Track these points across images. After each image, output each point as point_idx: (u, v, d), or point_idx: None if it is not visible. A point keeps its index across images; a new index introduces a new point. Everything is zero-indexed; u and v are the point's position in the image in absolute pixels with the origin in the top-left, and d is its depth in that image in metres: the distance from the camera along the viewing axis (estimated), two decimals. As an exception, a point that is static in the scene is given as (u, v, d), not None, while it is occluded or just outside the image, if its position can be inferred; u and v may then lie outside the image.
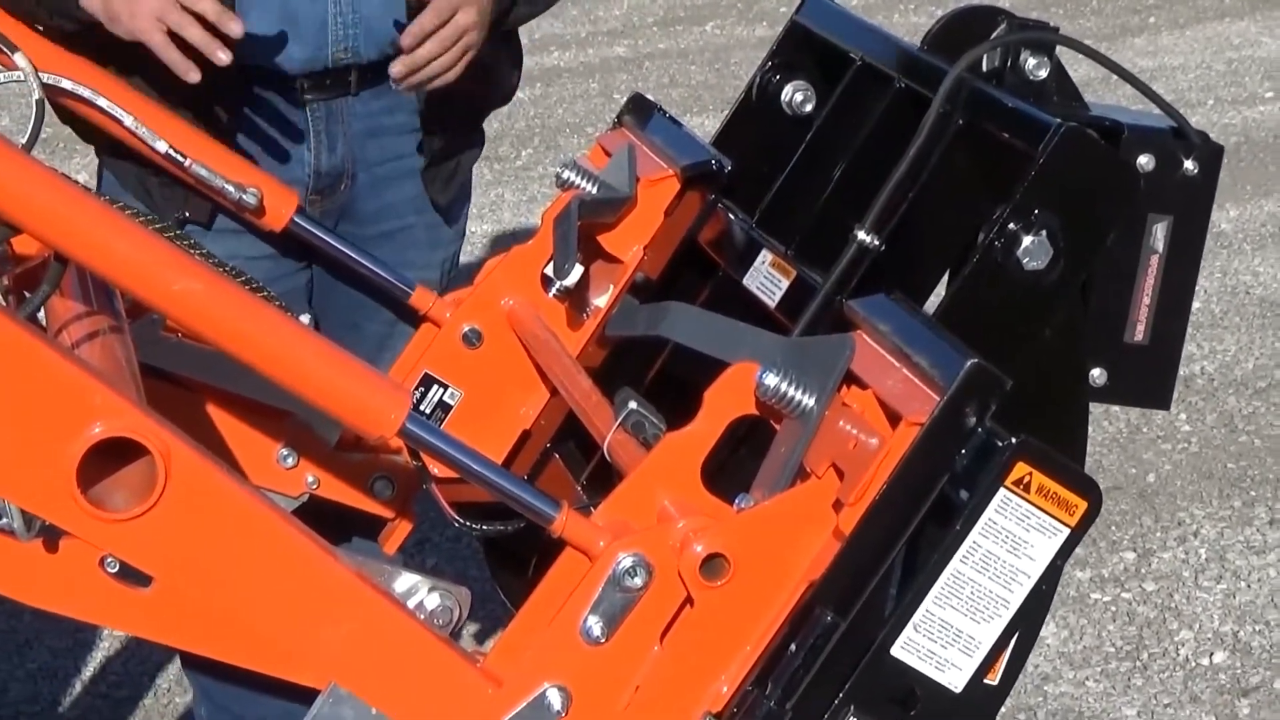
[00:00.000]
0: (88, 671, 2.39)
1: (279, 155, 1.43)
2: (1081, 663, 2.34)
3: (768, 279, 1.03)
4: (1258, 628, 2.40)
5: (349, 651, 0.79)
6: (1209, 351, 3.40)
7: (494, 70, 1.51)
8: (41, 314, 0.83)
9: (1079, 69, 1.15)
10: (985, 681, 0.81)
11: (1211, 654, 2.34)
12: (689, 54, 5.03)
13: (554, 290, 1.17)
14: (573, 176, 1.17)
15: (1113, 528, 2.69)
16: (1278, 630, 2.40)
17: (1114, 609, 2.50)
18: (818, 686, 0.80)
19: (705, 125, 2.56)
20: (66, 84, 1.15)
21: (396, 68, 1.31)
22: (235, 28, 1.21)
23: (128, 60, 1.29)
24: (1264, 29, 5.65)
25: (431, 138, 1.49)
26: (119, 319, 0.92)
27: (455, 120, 1.51)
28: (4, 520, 0.74)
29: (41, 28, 1.28)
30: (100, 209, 0.78)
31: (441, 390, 1.22)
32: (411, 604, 0.85)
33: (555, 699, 0.81)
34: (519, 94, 1.76)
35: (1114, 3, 6.18)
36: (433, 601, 0.86)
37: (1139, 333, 0.93)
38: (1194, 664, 2.33)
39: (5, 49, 1.01)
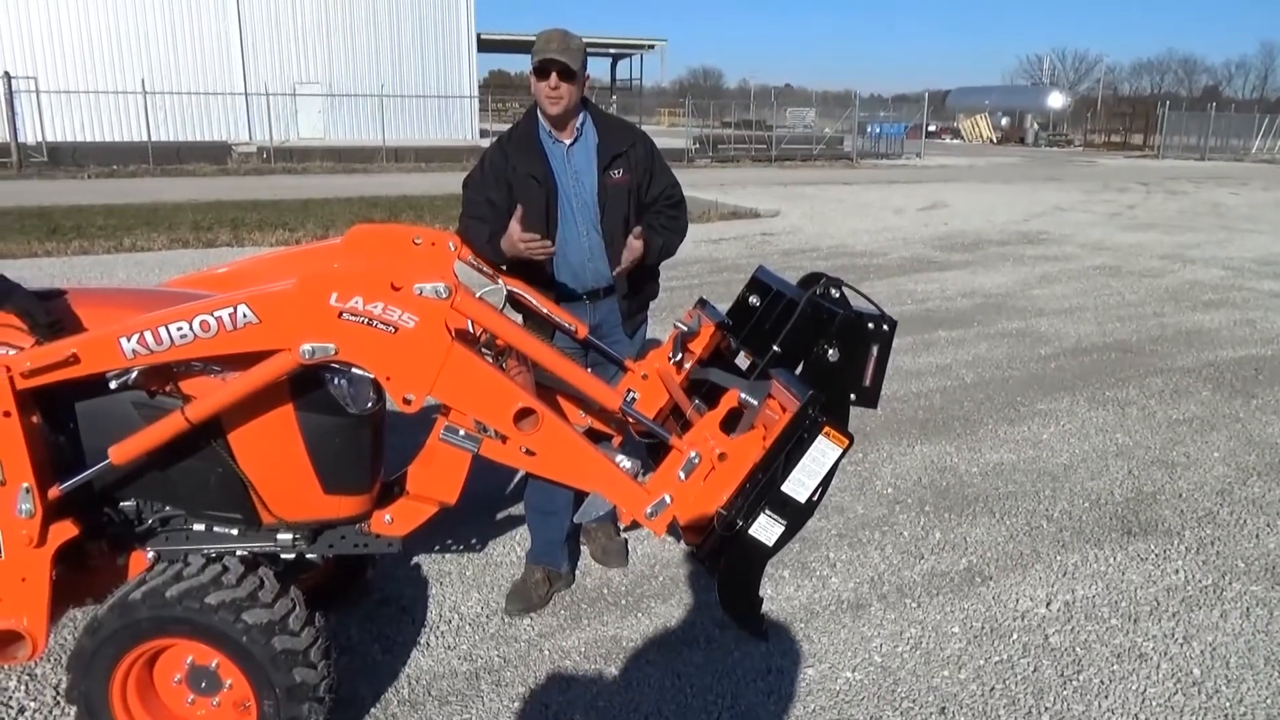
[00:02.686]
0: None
1: (580, 316, 3.23)
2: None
3: (743, 360, 2.70)
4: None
5: (596, 476, 2.44)
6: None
7: (649, 284, 3.39)
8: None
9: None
10: (811, 500, 2.42)
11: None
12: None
13: (673, 360, 2.86)
14: (680, 324, 2.87)
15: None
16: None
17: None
18: (755, 500, 2.42)
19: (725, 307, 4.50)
20: (514, 291, 2.91)
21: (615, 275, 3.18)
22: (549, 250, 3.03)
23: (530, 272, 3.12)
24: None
25: (626, 310, 3.35)
26: (528, 365, 2.62)
27: (635, 306, 3.40)
28: (490, 431, 2.41)
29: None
30: (528, 337, 2.48)
31: (633, 394, 2.91)
32: (619, 461, 2.50)
33: (667, 499, 2.45)
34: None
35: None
36: (624, 463, 2.49)
37: (867, 379, 2.53)
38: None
39: (490, 274, 2.76)
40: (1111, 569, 3.79)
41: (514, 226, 2.98)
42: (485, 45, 37.15)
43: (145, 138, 26.11)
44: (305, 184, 20.66)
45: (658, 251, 3.26)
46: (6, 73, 25.06)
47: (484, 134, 32.08)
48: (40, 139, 25.28)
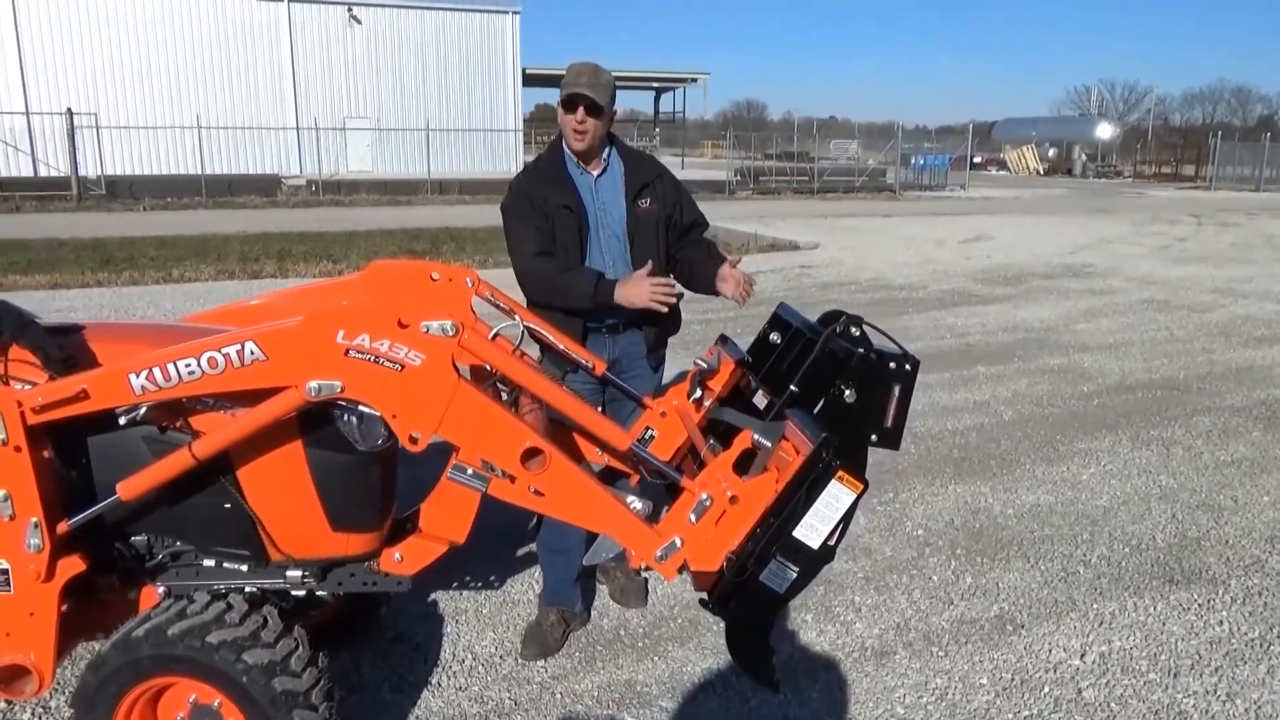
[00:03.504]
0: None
1: (602, 348, 3.20)
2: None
3: (761, 399, 2.63)
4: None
5: (605, 517, 2.39)
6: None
7: (675, 321, 3.34)
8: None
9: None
10: (826, 545, 2.34)
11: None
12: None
13: (692, 398, 2.80)
14: (700, 361, 2.81)
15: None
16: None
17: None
18: (766, 545, 2.34)
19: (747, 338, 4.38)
20: (531, 327, 2.88)
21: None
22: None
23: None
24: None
25: (651, 343, 3.30)
26: (541, 404, 2.59)
27: (660, 338, 3.35)
28: (497, 470, 2.38)
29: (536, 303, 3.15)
30: (537, 377, 2.44)
31: (651, 431, 2.85)
32: (629, 502, 2.44)
33: (677, 542, 2.39)
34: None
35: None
36: (635, 504, 2.44)
37: (888, 420, 2.45)
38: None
39: (506, 309, 2.74)
40: (1151, 619, 3.63)
41: (642, 278, 3.02)
42: (530, 80, 37.76)
43: (199, 171, 26.86)
44: (351, 216, 21.04)
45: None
46: (69, 109, 25.95)
47: (527, 166, 32.55)
48: (99, 172, 26.10)
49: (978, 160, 53.41)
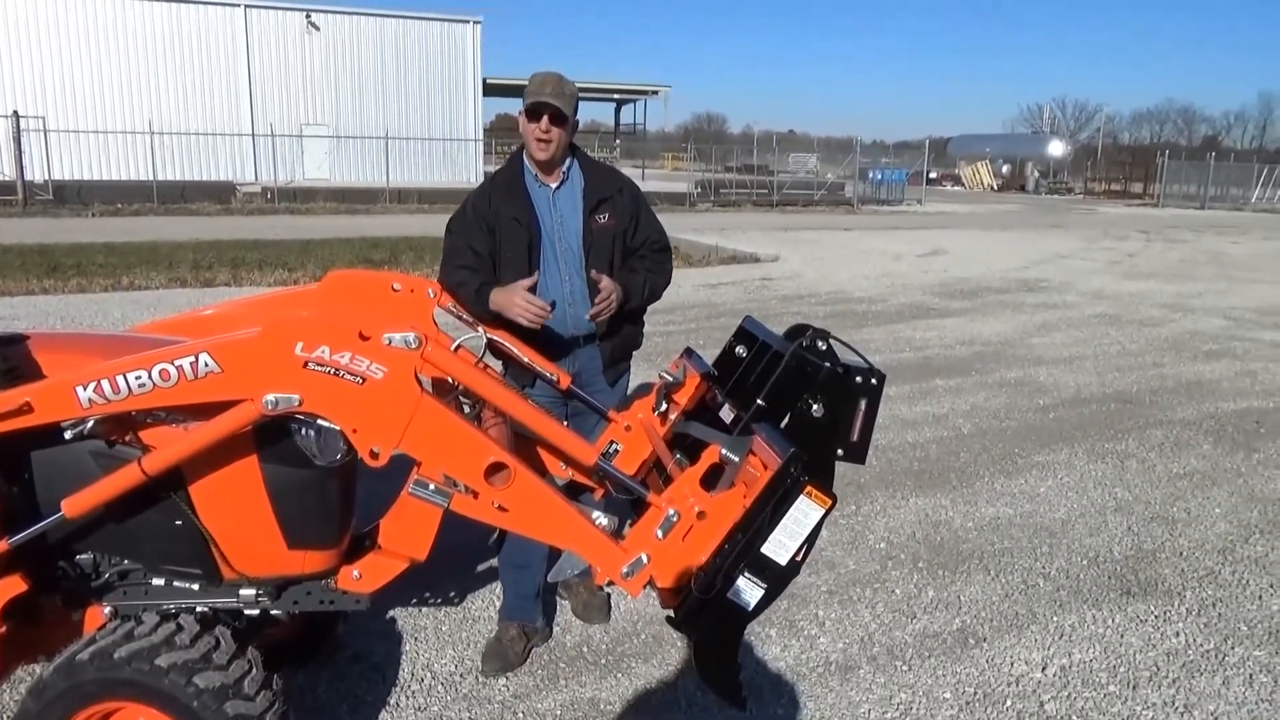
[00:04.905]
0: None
1: (560, 363, 3.12)
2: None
3: (728, 412, 2.61)
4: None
5: (570, 533, 2.35)
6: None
7: (634, 335, 3.32)
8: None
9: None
10: (793, 561, 2.32)
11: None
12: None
13: (657, 411, 2.77)
14: (665, 374, 2.78)
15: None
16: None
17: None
18: (734, 561, 2.32)
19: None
20: (494, 338, 2.82)
21: (589, 317, 3.02)
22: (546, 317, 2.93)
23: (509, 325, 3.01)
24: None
25: (610, 357, 3.25)
26: (505, 417, 2.54)
27: (617, 353, 3.30)
28: (459, 487, 2.32)
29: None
30: (501, 390, 2.39)
31: (615, 445, 2.81)
32: (594, 517, 2.40)
33: (643, 558, 2.36)
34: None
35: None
36: (601, 520, 2.40)
37: (854, 435, 2.45)
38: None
39: (470, 321, 2.69)
40: (1110, 631, 3.67)
41: (518, 289, 2.94)
42: (491, 90, 37.65)
43: (151, 176, 26.33)
44: (308, 224, 20.75)
45: (640, 292, 3.20)
46: (15, 112, 25.31)
47: (488, 176, 32.44)
48: (47, 177, 25.48)
49: (934, 176, 54.32)
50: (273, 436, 2.31)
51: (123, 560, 2.43)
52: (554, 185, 3.19)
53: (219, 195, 26.47)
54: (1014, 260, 17.24)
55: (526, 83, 3.10)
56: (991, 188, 57.84)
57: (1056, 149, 61.20)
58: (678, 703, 3.11)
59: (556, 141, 3.08)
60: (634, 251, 3.27)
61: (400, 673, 3.22)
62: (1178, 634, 3.66)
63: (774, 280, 13.66)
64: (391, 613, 3.59)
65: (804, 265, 15.54)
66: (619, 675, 3.26)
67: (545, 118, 3.04)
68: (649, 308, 3.39)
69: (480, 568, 3.98)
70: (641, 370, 3.76)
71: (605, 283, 3.04)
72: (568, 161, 3.22)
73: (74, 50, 29.36)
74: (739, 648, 2.51)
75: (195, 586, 2.45)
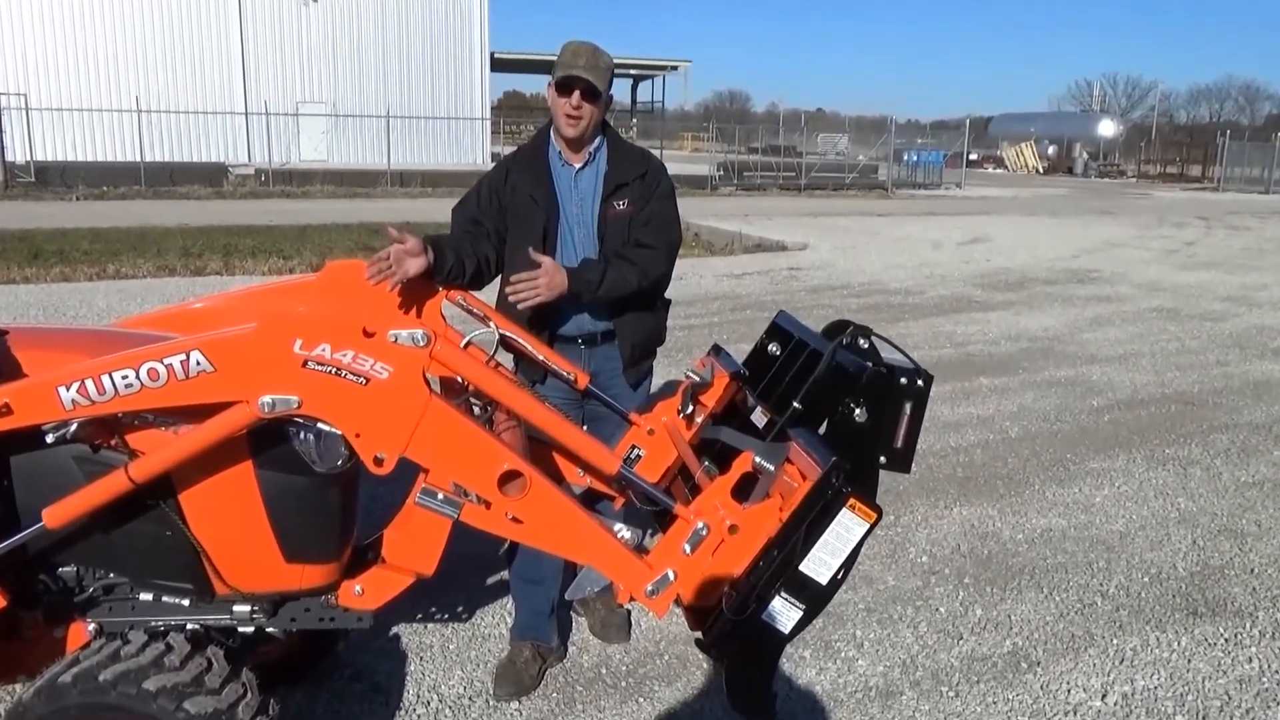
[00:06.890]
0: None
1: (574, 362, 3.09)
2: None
3: (760, 416, 2.56)
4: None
5: (591, 548, 2.31)
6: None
7: (657, 331, 3.29)
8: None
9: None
10: (834, 579, 2.28)
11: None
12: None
13: (682, 414, 2.72)
14: (692, 373, 2.73)
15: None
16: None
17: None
18: (769, 580, 2.27)
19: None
20: (507, 335, 2.78)
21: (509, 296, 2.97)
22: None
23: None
24: None
25: (630, 355, 3.21)
26: (520, 421, 2.50)
27: (639, 352, 3.26)
28: (471, 496, 2.29)
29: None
30: (517, 392, 2.36)
31: (637, 451, 2.77)
32: (616, 530, 2.36)
33: (670, 575, 2.31)
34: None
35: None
36: (624, 533, 2.36)
37: (899, 441, 2.40)
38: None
39: (481, 315, 2.65)
40: (1176, 655, 3.60)
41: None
42: (499, 65, 37.66)
43: (138, 158, 26.49)
44: (304, 208, 20.82)
45: (594, 284, 2.99)
46: (-4, 89, 25.55)
47: (495, 158, 32.44)
48: (29, 158, 25.68)
49: (974, 157, 53.90)
50: (269, 441, 2.28)
51: (108, 574, 2.41)
52: (578, 165, 3.15)
53: (210, 177, 26.60)
54: (1062, 249, 17.08)
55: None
56: (1036, 170, 57.41)
57: (1107, 129, 60.65)
58: (704, 730, 3.07)
59: (588, 119, 3.03)
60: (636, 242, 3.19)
61: (405, 694, 3.20)
62: (1250, 659, 3.59)
63: (802, 270, 13.58)
64: (395, 629, 3.56)
65: (834, 254, 15.44)
66: (640, 699, 3.23)
67: (577, 93, 2.99)
68: (670, 299, 3.34)
69: (491, 580, 3.95)
70: (663, 367, 3.71)
71: (546, 263, 2.89)
72: (597, 140, 3.17)
73: (57, 24, 29.55)
74: (774, 673, 2.47)
75: (186, 602, 2.42)
